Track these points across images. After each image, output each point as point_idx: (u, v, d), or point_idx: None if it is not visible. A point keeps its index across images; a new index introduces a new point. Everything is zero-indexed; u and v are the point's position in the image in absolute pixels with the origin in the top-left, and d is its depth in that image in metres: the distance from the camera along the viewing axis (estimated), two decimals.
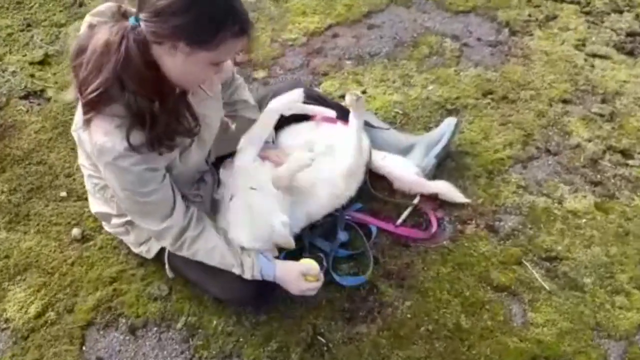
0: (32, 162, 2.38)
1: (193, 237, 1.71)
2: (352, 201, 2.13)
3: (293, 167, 1.83)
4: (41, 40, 2.90)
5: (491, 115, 2.56)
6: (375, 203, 2.21)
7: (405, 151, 2.30)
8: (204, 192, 1.88)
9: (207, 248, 1.73)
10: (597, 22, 3.03)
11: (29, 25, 2.98)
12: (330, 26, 3.02)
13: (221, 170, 1.88)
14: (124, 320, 1.92)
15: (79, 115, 1.58)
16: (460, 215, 2.19)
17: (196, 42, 1.40)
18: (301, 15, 3.07)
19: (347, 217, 2.11)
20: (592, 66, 2.80)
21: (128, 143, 1.47)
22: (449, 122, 2.33)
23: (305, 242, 2.02)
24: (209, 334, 1.88)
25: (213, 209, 1.90)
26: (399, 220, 2.16)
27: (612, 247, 2.10)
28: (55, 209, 2.21)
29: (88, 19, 1.51)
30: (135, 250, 1.99)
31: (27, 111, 2.58)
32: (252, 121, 1.96)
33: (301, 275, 1.81)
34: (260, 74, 2.78)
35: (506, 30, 2.99)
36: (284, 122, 2.12)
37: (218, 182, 1.92)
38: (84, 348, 1.86)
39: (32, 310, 1.94)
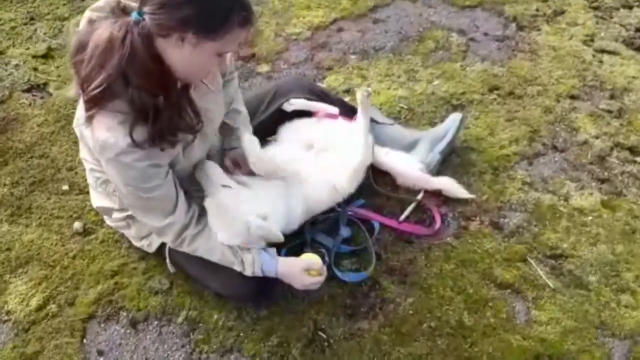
0: (35, 155, 2.37)
1: (193, 234, 1.70)
2: (354, 197, 2.11)
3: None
4: (44, 33, 2.90)
5: (497, 111, 2.53)
6: (379, 199, 2.19)
7: (409, 147, 2.27)
8: None
9: (207, 246, 1.72)
10: (606, 17, 2.99)
11: (32, 18, 2.98)
12: (335, 20, 3.00)
13: (196, 171, 1.78)
14: (124, 314, 1.92)
15: (80, 111, 1.57)
16: (464, 212, 2.17)
17: (204, 32, 1.40)
18: (306, 9, 3.05)
19: (349, 213, 2.10)
20: (601, 62, 2.76)
21: (131, 139, 1.46)
22: (454, 118, 2.31)
23: (307, 238, 2.01)
24: (209, 329, 1.87)
25: None
26: (402, 216, 2.14)
27: (618, 245, 2.07)
28: (57, 202, 2.21)
29: (88, 14, 1.50)
30: (137, 244, 1.99)
31: (30, 104, 2.58)
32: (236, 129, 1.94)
33: (304, 271, 1.80)
34: (264, 68, 2.76)
35: (513, 25, 2.96)
36: (285, 117, 2.11)
37: None
38: (84, 341, 1.86)
39: (34, 302, 1.93)
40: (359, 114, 2.10)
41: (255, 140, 1.83)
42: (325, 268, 1.83)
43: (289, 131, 2.12)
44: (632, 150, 2.38)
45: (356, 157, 2.05)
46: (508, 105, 2.56)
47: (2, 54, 2.81)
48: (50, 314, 1.91)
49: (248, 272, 1.75)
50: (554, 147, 2.40)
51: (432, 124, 2.46)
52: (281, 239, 1.75)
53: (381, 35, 2.92)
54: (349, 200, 2.10)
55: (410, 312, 1.90)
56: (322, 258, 1.91)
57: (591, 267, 2.01)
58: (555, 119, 2.50)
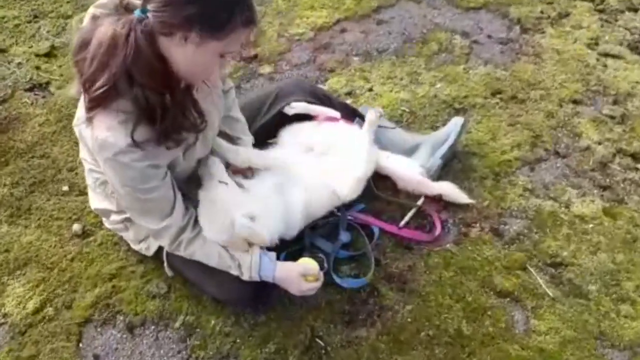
0: (36, 155, 2.37)
1: (190, 238, 1.70)
2: (354, 201, 2.10)
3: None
4: (48, 32, 2.89)
5: (499, 115, 2.51)
6: (379, 203, 2.18)
7: (410, 151, 2.26)
8: None
9: (205, 250, 1.72)
10: (611, 20, 2.96)
11: (36, 16, 2.97)
12: (338, 21, 2.99)
13: (200, 167, 1.81)
14: (121, 318, 1.91)
15: (81, 110, 1.56)
16: (464, 218, 2.16)
17: (208, 31, 1.39)
18: (309, 10, 3.04)
19: (349, 218, 2.09)
20: (605, 66, 2.74)
21: (132, 139, 1.45)
22: (456, 122, 2.29)
23: (306, 242, 2.00)
24: (206, 334, 1.87)
25: None
26: (402, 222, 2.13)
27: (619, 254, 2.06)
28: (56, 203, 2.21)
29: (91, 10, 1.49)
30: (135, 247, 1.98)
31: (32, 104, 2.58)
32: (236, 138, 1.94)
33: (301, 276, 1.79)
34: (266, 69, 2.75)
35: (517, 27, 2.94)
36: (286, 120, 2.10)
37: None
38: (80, 345, 1.86)
39: (31, 305, 1.93)
40: (365, 128, 2.10)
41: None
42: (322, 274, 1.83)
43: (290, 134, 2.12)
44: (634, 157, 2.36)
45: (359, 169, 2.05)
46: (510, 109, 2.54)
47: (5, 52, 2.81)
48: (47, 317, 1.91)
49: (245, 277, 1.74)
50: (556, 153, 2.38)
51: (434, 127, 2.45)
52: (265, 241, 1.73)
53: (384, 36, 2.90)
54: (349, 205, 2.09)
55: (409, 320, 1.89)
56: (321, 263, 1.91)
57: (591, 276, 2.00)
58: (558, 124, 2.48)
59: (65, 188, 2.26)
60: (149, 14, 1.37)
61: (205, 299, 1.93)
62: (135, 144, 1.46)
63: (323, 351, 1.83)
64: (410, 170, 2.21)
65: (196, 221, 1.72)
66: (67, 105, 2.54)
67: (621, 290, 1.96)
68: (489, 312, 1.91)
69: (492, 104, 2.56)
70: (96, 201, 1.92)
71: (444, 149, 2.24)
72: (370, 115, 2.12)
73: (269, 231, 1.74)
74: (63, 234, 2.12)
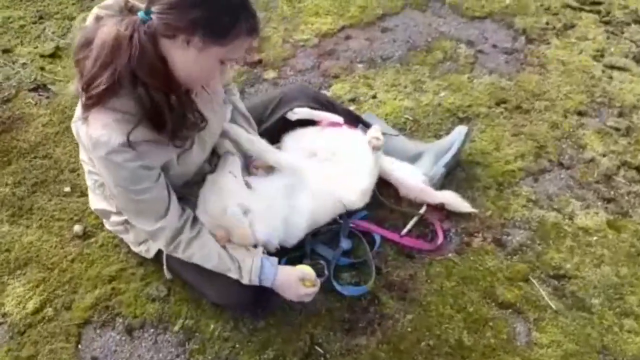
0: (38, 155, 2.37)
1: (188, 239, 1.69)
2: (357, 209, 2.09)
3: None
4: (53, 32, 2.90)
5: (503, 125, 2.51)
6: (381, 211, 2.17)
7: (413, 159, 2.25)
8: None
9: (203, 252, 1.71)
10: (617, 32, 2.96)
11: (41, 17, 2.98)
12: (343, 28, 2.99)
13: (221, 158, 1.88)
14: (120, 320, 1.90)
15: (80, 109, 1.56)
16: (467, 228, 2.14)
17: (211, 36, 1.40)
18: (314, 16, 3.04)
19: (351, 225, 2.07)
20: (610, 78, 2.73)
21: (127, 139, 1.45)
22: (460, 131, 2.29)
23: (307, 249, 1.99)
24: (205, 338, 1.85)
25: None
26: (404, 230, 2.12)
27: (622, 267, 2.04)
28: (58, 204, 2.20)
29: (95, 10, 1.51)
30: (135, 249, 1.98)
31: (36, 104, 2.57)
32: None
33: (299, 281, 1.78)
34: (271, 74, 2.75)
35: (522, 37, 2.94)
36: (289, 125, 2.10)
37: None
38: (79, 346, 1.85)
39: (30, 305, 1.92)
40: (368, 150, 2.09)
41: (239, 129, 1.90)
42: (318, 280, 1.81)
43: (293, 139, 2.11)
44: (639, 170, 2.35)
45: (364, 181, 2.04)
46: (515, 119, 2.54)
47: (10, 52, 2.81)
48: (47, 317, 1.90)
49: (245, 280, 1.73)
50: (560, 164, 2.37)
51: (438, 136, 2.44)
52: (249, 237, 1.71)
53: (389, 44, 2.90)
54: (352, 212, 2.08)
55: (409, 329, 1.88)
56: (322, 271, 1.90)
57: (594, 289, 1.98)
58: (562, 135, 2.48)
59: (67, 189, 2.25)
60: (153, 16, 1.38)
61: (204, 303, 1.92)
62: (129, 143, 1.46)
63: (322, 359, 1.81)
64: (414, 178, 2.20)
65: (194, 222, 1.71)
66: (70, 106, 2.54)
67: (625, 304, 1.95)
68: (491, 323, 1.90)
69: (496, 114, 2.55)
70: (96, 202, 1.92)
71: (447, 157, 2.23)
72: (376, 144, 2.06)
73: (264, 232, 1.74)
74: (64, 234, 2.11)
